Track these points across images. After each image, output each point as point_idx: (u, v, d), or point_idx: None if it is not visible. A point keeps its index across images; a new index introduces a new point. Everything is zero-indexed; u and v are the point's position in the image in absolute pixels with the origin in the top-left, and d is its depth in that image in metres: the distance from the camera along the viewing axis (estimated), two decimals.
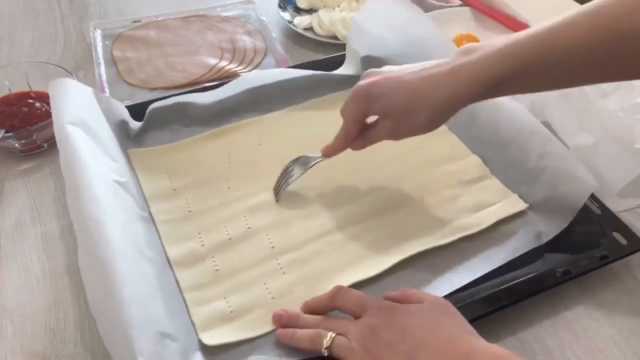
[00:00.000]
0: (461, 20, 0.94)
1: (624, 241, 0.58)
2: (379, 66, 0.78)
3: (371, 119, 0.58)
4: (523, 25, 0.90)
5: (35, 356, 0.51)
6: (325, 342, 0.47)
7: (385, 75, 0.55)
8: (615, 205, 0.62)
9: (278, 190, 0.63)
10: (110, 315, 0.46)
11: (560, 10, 0.94)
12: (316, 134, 0.71)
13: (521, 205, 0.63)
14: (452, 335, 0.45)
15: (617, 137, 0.64)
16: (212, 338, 0.50)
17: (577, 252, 0.57)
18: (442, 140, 0.71)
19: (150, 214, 0.61)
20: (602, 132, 0.65)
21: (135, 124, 0.68)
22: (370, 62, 0.79)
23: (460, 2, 0.98)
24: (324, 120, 0.72)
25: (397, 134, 0.57)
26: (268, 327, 0.52)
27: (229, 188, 0.64)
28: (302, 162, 0.63)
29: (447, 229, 0.60)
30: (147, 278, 0.50)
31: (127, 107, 0.69)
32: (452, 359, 0.43)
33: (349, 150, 0.69)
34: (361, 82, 0.57)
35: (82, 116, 0.60)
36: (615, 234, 0.58)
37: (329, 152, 0.62)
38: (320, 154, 0.62)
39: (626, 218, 0.62)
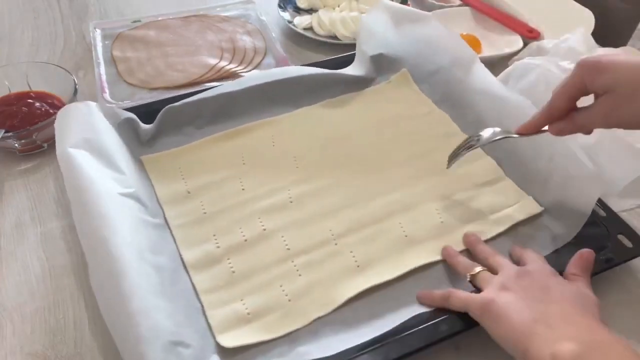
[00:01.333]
0: (461, 20, 0.94)
1: (628, 244, 0.57)
2: (391, 65, 0.79)
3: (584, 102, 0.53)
4: (523, 25, 0.90)
5: (35, 356, 0.51)
6: (472, 272, 0.53)
7: (616, 55, 0.50)
8: (615, 205, 0.62)
9: (455, 155, 0.62)
10: (121, 330, 0.47)
11: (561, 10, 0.94)
12: (329, 134, 0.72)
13: (536, 208, 0.62)
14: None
15: (619, 137, 0.64)
16: (230, 340, 0.50)
17: None
18: (455, 142, 0.69)
19: (164, 219, 0.60)
20: (604, 132, 0.65)
21: (146, 131, 0.68)
22: (380, 61, 0.79)
23: (460, 2, 0.98)
24: (337, 121, 0.74)
25: (612, 118, 0.50)
26: (285, 329, 0.51)
27: (243, 189, 0.64)
28: (490, 133, 0.60)
29: (463, 232, 0.60)
30: (154, 288, 0.50)
31: (129, 108, 0.69)
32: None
33: (365, 150, 0.69)
34: (587, 57, 0.51)
35: (85, 136, 0.60)
36: (620, 237, 0.58)
37: (525, 129, 0.56)
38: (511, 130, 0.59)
39: (626, 218, 0.61)
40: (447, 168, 0.63)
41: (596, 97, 0.52)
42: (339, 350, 0.49)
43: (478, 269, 0.53)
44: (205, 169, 0.66)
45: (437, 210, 0.63)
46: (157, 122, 0.68)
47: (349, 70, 0.79)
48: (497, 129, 0.61)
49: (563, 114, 0.53)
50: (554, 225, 0.61)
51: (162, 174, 0.65)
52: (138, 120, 0.67)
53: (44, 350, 0.51)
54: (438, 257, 0.58)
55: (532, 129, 0.56)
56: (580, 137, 0.67)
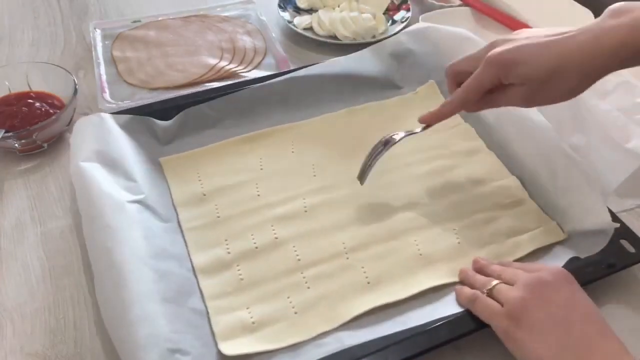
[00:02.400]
0: (461, 20, 0.93)
1: (631, 249, 0.57)
2: (418, 75, 0.77)
3: None
4: (523, 25, 0.90)
5: (35, 356, 0.51)
6: (488, 287, 0.51)
7: (523, 42, 0.52)
8: (615, 205, 0.62)
9: (363, 171, 0.62)
10: (121, 339, 0.47)
11: (561, 10, 0.94)
12: (350, 143, 0.70)
13: (560, 236, 0.60)
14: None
15: (609, 137, 0.63)
16: (231, 348, 0.50)
17: (585, 259, 0.56)
18: (479, 159, 0.68)
19: (177, 222, 0.60)
20: (595, 132, 0.65)
21: (167, 131, 0.68)
22: (404, 62, 0.78)
23: (460, 2, 0.98)
24: (359, 130, 0.72)
25: (532, 102, 0.54)
26: (289, 340, 0.51)
27: (258, 195, 0.63)
28: (389, 139, 0.61)
29: (480, 255, 0.58)
30: (157, 295, 0.50)
31: (130, 109, 0.69)
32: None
33: (385, 162, 0.66)
34: (497, 49, 0.53)
35: (96, 148, 0.61)
36: (623, 242, 0.57)
37: (434, 118, 0.58)
38: (415, 128, 0.60)
39: (627, 219, 0.61)
40: (362, 184, 0.62)
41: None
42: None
43: (494, 282, 0.52)
44: (223, 172, 0.66)
45: (455, 230, 0.61)
46: (179, 122, 0.68)
47: (370, 68, 0.77)
48: (397, 133, 0.62)
49: (475, 103, 0.56)
50: (572, 245, 0.59)
51: (179, 175, 0.65)
52: (155, 120, 0.67)
53: (44, 350, 0.51)
54: (451, 279, 0.56)
55: (440, 118, 0.58)
56: (574, 137, 0.66)
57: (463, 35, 0.76)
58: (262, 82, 0.73)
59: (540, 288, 0.49)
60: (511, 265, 0.55)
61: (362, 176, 0.62)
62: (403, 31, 0.81)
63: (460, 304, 0.53)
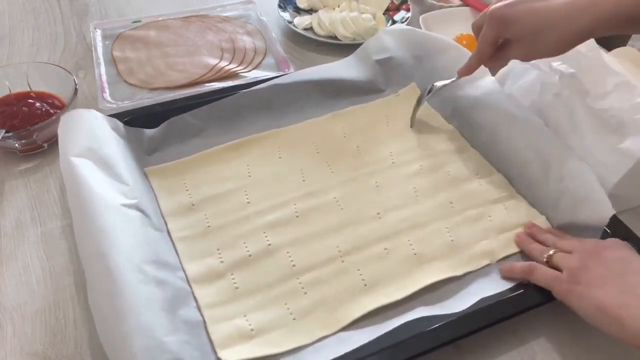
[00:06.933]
0: (461, 20, 0.94)
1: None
2: (400, 77, 0.78)
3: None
4: None
5: (35, 356, 0.51)
6: (548, 254, 0.56)
7: (518, 0, 0.59)
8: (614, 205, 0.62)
9: (413, 116, 0.73)
10: (116, 350, 0.46)
11: None
12: (337, 147, 0.70)
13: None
14: None
15: (604, 138, 0.64)
16: (231, 355, 0.49)
17: None
18: (465, 157, 0.69)
19: (167, 231, 0.59)
20: (590, 133, 0.65)
21: (152, 140, 0.67)
22: (387, 68, 0.79)
23: (460, 2, 0.98)
24: (345, 133, 0.72)
25: (529, 57, 0.63)
26: (290, 344, 0.51)
27: (248, 202, 0.63)
28: (434, 88, 0.71)
29: (473, 251, 0.59)
30: (154, 304, 0.49)
31: (130, 110, 0.69)
32: None
33: (373, 164, 0.68)
34: (497, 5, 0.60)
35: (89, 145, 0.59)
36: None
37: (463, 72, 0.67)
38: (453, 77, 0.69)
39: (627, 219, 0.61)
40: (411, 127, 0.73)
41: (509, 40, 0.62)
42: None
43: (552, 251, 0.56)
44: (210, 181, 0.65)
45: (447, 228, 0.61)
46: (163, 132, 0.68)
47: (354, 74, 0.77)
48: (439, 82, 0.71)
49: (491, 54, 0.64)
50: None
51: (166, 186, 0.64)
52: (143, 129, 0.67)
53: (44, 350, 0.51)
54: (447, 275, 0.56)
55: (470, 71, 0.67)
56: (569, 138, 0.66)
57: (443, 40, 0.78)
58: (257, 85, 0.72)
59: (597, 250, 0.53)
60: (563, 235, 0.59)
61: (411, 121, 0.73)
62: (385, 30, 0.81)
63: (514, 277, 0.56)
